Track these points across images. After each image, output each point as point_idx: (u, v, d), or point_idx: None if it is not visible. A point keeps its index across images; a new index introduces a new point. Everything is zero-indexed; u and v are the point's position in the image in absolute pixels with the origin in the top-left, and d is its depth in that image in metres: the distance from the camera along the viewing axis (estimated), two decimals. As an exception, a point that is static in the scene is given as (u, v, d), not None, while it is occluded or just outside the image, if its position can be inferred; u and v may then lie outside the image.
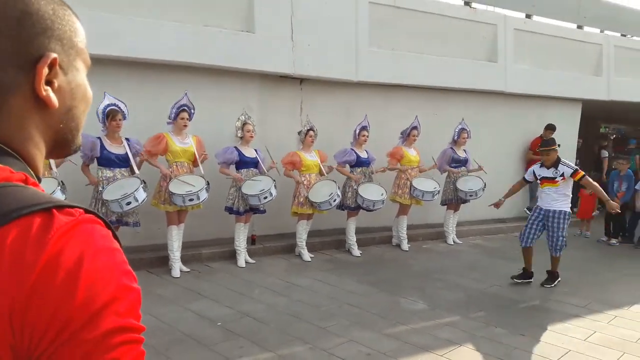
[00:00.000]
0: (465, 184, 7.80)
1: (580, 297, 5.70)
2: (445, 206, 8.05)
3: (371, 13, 7.74)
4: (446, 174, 7.95)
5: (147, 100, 6.24)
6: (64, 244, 0.61)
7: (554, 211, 5.98)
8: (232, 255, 6.37)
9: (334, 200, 6.55)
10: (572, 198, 10.40)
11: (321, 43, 7.24)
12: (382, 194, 6.91)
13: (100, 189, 5.34)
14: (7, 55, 0.68)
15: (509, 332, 4.61)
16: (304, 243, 6.76)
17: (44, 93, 0.70)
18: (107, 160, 5.45)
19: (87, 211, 0.67)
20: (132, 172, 5.58)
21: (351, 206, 7.01)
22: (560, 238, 5.99)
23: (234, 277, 5.85)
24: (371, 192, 6.90)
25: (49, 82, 0.71)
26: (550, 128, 9.63)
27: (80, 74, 0.77)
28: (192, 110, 5.97)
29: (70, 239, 0.62)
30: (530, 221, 6.20)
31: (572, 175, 5.94)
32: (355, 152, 7.02)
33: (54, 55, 0.70)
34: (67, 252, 0.61)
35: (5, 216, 0.61)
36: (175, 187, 5.63)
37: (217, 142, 6.35)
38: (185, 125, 5.86)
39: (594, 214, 9.34)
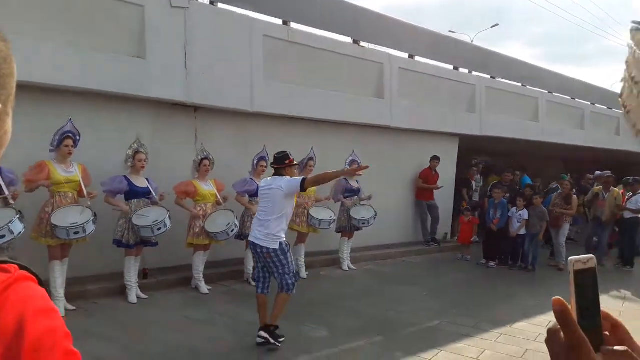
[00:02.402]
0: (359, 212, 8.11)
1: (469, 317, 6.07)
2: (340, 234, 8.24)
3: (265, 45, 7.84)
4: (340, 203, 8.18)
5: (27, 127, 5.71)
6: (2, 306, 0.55)
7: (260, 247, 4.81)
8: (122, 291, 5.95)
9: (232, 230, 6.42)
10: (450, 224, 11.32)
11: (216, 72, 7.17)
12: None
13: (-29, 223, 4.76)
14: None
15: (408, 355, 4.78)
16: (201, 275, 6.52)
17: None
18: None
19: (20, 267, 0.61)
20: (7, 203, 5.05)
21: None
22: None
23: (126, 314, 5.47)
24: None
25: None
26: (436, 159, 10.35)
27: (9, 119, 0.71)
28: (78, 137, 5.59)
29: (6, 301, 0.56)
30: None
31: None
32: (255, 182, 6.98)
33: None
34: (5, 318, 0.55)
35: None
36: (58, 220, 5.18)
37: (105, 171, 5.98)
38: (70, 153, 5.48)
39: (472, 239, 10.07)
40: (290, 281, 4.81)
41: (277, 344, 4.73)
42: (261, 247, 4.77)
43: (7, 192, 5.04)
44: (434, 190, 10.42)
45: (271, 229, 4.73)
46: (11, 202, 5.06)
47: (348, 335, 5.22)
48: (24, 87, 5.01)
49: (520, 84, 12.97)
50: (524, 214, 9.32)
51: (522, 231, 9.37)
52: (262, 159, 7.06)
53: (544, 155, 16.00)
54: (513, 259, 9.54)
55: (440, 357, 4.80)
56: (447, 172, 11.12)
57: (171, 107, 7.04)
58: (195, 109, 7.27)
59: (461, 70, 11.49)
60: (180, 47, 6.88)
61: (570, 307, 0.62)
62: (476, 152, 14.68)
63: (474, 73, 11.78)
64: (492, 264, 9.52)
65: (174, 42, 6.82)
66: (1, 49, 0.67)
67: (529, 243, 9.30)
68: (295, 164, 5.14)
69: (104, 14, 6.28)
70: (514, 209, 9.44)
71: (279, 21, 8.28)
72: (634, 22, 0.69)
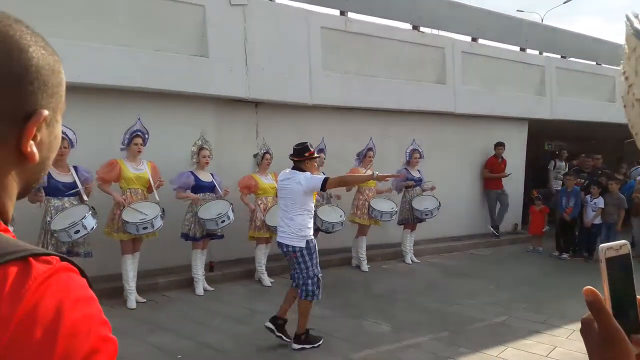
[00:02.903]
0: (421, 203, 7.93)
1: (539, 313, 5.82)
2: (402, 226, 8.12)
3: (323, 37, 7.81)
4: (402, 194, 8.05)
5: (98, 127, 6.02)
6: (41, 295, 0.59)
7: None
8: (190, 284, 6.17)
9: (293, 224, 6.47)
10: (522, 214, 10.86)
11: (275, 67, 7.24)
12: (340, 216, 6.91)
13: (49, 219, 5.09)
14: (2, 113, 0.66)
15: (473, 351, 4.64)
16: (264, 268, 6.64)
17: (29, 149, 0.69)
18: (55, 190, 5.21)
19: (62, 259, 0.64)
20: (82, 200, 5.35)
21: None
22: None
23: (193, 307, 5.66)
24: (330, 214, 6.89)
25: (33, 137, 0.70)
26: (500, 145, 9.96)
27: (59, 126, 0.77)
28: (146, 136, 5.83)
29: (47, 290, 0.59)
30: None
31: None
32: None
33: (46, 113, 0.70)
34: (45, 304, 0.58)
35: None
36: (128, 215, 5.43)
37: (172, 167, 6.20)
38: (139, 151, 5.72)
39: (544, 229, 9.63)
40: (311, 287, 4.53)
41: (286, 339, 4.62)
42: (287, 245, 4.54)
43: (82, 190, 5.34)
44: (503, 179, 10.05)
45: (295, 226, 4.49)
46: (85, 198, 5.36)
47: (411, 330, 5.14)
48: (94, 90, 5.27)
49: (594, 63, 12.19)
50: (600, 202, 8.80)
51: (598, 220, 8.85)
52: (320, 151, 7.04)
53: (624, 138, 15.00)
54: (588, 250, 9.03)
55: (508, 353, 4.63)
56: (516, 159, 10.68)
57: (233, 103, 7.18)
58: (256, 104, 7.37)
59: (529, 51, 10.95)
60: (240, 44, 6.99)
61: (603, 297, 0.61)
62: (548, 137, 14.02)
63: (544, 54, 11.20)
64: (565, 255, 9.07)
65: (234, 39, 6.94)
66: (50, 62, 0.71)
67: (606, 233, 8.77)
68: (316, 157, 4.85)
69: (166, 16, 6.48)
70: (588, 197, 8.93)
71: (336, 12, 8.22)
72: (629, 20, 0.61)
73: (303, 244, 4.49)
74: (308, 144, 4.77)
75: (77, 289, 0.62)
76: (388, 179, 4.99)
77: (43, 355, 0.57)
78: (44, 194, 5.09)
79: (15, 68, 0.67)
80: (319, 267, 4.64)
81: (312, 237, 4.60)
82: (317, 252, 4.63)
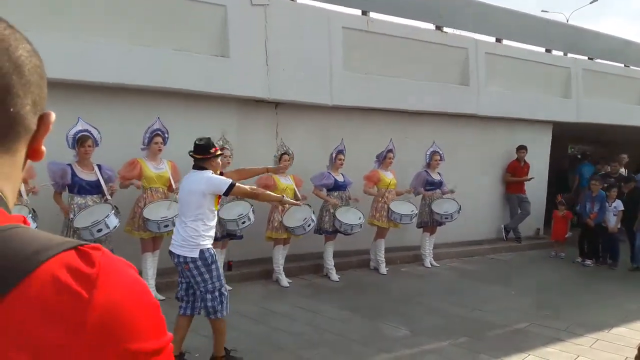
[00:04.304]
0: (441, 206, 7.83)
1: (560, 320, 5.69)
2: (422, 229, 8.03)
3: (345, 38, 7.77)
4: (421, 196, 7.96)
5: (119, 126, 6.08)
6: (108, 279, 0.61)
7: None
8: (208, 283, 6.18)
9: (309, 225, 6.46)
10: (544, 219, 10.66)
11: (296, 67, 7.22)
12: (359, 218, 6.86)
13: (72, 216, 5.16)
14: (39, 104, 0.71)
15: (493, 358, 4.56)
16: (281, 268, 6.64)
17: (43, 147, 0.73)
18: (79, 187, 5.28)
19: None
20: (104, 198, 5.41)
21: (329, 230, 6.92)
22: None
23: (211, 306, 5.66)
24: (349, 216, 6.85)
25: None
26: (522, 148, 9.81)
27: None
28: (166, 135, 5.87)
29: (111, 274, 0.62)
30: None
31: None
32: (333, 176, 6.98)
33: (53, 116, 0.74)
34: (120, 286, 0.62)
35: (37, 254, 0.59)
36: (149, 214, 5.48)
37: (191, 167, 6.21)
38: (160, 150, 5.77)
39: (567, 235, 9.43)
40: (210, 303, 3.94)
41: None
42: (177, 255, 3.95)
43: (105, 188, 5.41)
44: (526, 183, 9.89)
45: (187, 233, 3.90)
46: (108, 197, 5.42)
47: (430, 335, 5.07)
48: (116, 90, 5.31)
49: (622, 65, 11.91)
50: (619, 204, 8.60)
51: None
52: (340, 152, 7.03)
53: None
54: (612, 257, 8.82)
55: (528, 362, 4.54)
56: (539, 162, 10.50)
57: (254, 104, 7.19)
58: (277, 104, 7.37)
59: (554, 52, 10.75)
60: (261, 44, 6.99)
61: None
62: (574, 140, 13.78)
63: (569, 55, 10.98)
64: (588, 262, 8.87)
65: (255, 39, 6.94)
66: (38, 65, 0.72)
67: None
68: (220, 154, 4.27)
69: (188, 16, 6.51)
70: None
71: (358, 12, 8.17)
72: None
73: (196, 254, 3.89)
74: (211, 138, 4.25)
75: (133, 274, 0.66)
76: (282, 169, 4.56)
77: (122, 332, 0.60)
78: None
79: (42, 70, 0.71)
80: (222, 280, 4.05)
81: (210, 246, 3.99)
82: (218, 264, 4.05)
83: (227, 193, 4.04)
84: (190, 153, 4.17)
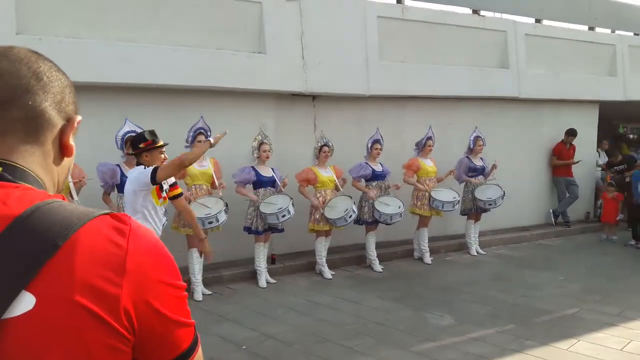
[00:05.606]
0: (484, 192, 7.68)
1: (613, 305, 5.53)
2: (466, 216, 7.92)
3: (380, 27, 7.73)
4: (464, 183, 7.85)
5: (164, 125, 6.24)
6: (139, 233, 0.78)
7: None
8: (253, 276, 6.32)
9: (350, 217, 6.47)
10: (593, 201, 10.31)
11: (332, 59, 7.24)
12: (399, 207, 6.83)
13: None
14: (62, 105, 0.85)
15: (541, 344, 4.49)
16: (324, 260, 6.70)
17: (71, 142, 0.87)
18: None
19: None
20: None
21: (368, 221, 6.92)
22: None
23: (256, 298, 5.80)
24: (387, 205, 6.83)
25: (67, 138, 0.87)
26: (572, 134, 9.51)
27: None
28: (209, 133, 5.99)
29: (138, 230, 0.78)
30: None
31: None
32: (370, 166, 6.97)
33: (79, 117, 0.88)
34: (145, 239, 0.78)
35: (84, 215, 0.75)
36: (194, 211, 5.62)
37: (234, 163, 6.35)
38: (203, 147, 5.89)
39: (618, 218, 9.11)
40: None
41: None
42: None
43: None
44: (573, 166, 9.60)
45: None
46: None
47: (476, 323, 5.03)
48: (160, 91, 5.47)
49: (673, 39, 11.36)
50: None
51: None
52: (376, 141, 6.99)
53: None
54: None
55: (579, 347, 4.44)
56: (586, 144, 10.17)
57: (291, 98, 7.26)
58: (314, 97, 7.42)
59: (598, 30, 10.36)
60: (297, 39, 7.05)
61: None
62: (623, 119, 13.26)
63: (615, 32, 10.55)
64: (641, 245, 8.56)
65: (290, 34, 7.00)
66: (60, 77, 0.87)
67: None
68: (156, 147, 4.07)
69: (226, 15, 6.64)
70: None
71: (393, 0, 8.10)
72: None
73: None
74: (146, 132, 4.11)
75: (151, 230, 0.83)
76: (218, 140, 4.24)
77: (157, 271, 0.77)
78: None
79: (68, 81, 0.88)
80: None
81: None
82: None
83: (154, 179, 3.86)
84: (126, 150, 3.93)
